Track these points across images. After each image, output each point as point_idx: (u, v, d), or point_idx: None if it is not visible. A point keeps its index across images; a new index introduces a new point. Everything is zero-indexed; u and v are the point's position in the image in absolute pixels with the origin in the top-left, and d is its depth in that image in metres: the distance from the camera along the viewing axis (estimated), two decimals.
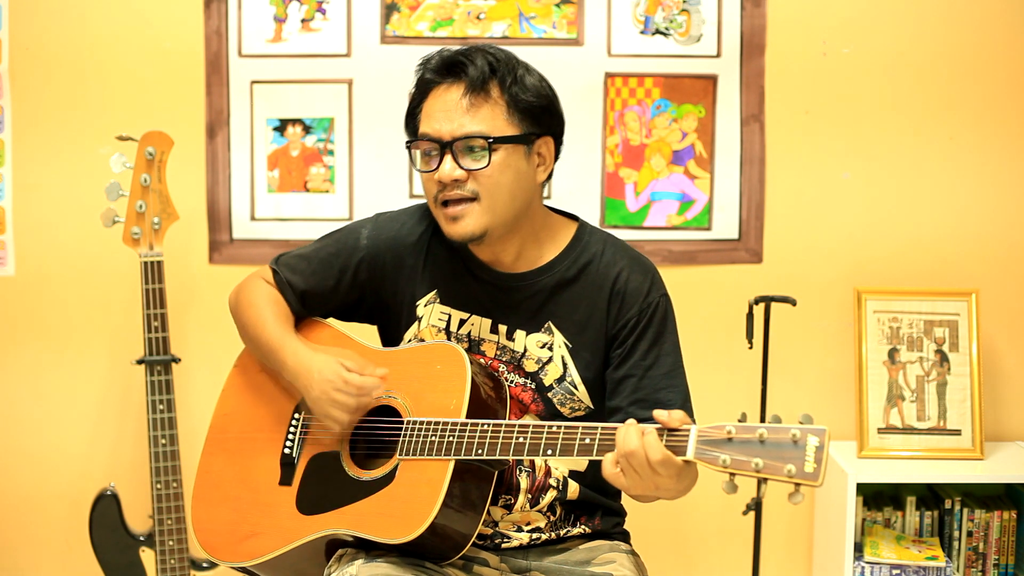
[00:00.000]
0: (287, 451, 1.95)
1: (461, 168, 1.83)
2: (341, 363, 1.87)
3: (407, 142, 1.90)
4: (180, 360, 2.72)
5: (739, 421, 1.55)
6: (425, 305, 1.96)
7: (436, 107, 1.85)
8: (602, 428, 1.67)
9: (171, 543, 2.69)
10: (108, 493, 2.77)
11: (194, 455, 2.09)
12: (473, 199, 1.84)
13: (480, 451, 1.75)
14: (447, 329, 1.95)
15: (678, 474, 1.61)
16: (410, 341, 1.97)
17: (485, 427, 1.76)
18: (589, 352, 1.91)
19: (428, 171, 1.85)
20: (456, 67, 1.84)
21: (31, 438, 3.03)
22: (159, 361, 2.67)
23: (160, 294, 2.66)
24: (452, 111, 1.83)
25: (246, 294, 2.04)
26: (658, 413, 1.61)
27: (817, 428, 1.50)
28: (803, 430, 1.50)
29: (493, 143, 1.83)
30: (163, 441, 2.68)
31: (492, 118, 1.84)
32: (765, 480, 1.52)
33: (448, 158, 1.83)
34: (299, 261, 2.03)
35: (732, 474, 1.53)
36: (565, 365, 1.91)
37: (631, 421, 1.64)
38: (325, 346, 1.97)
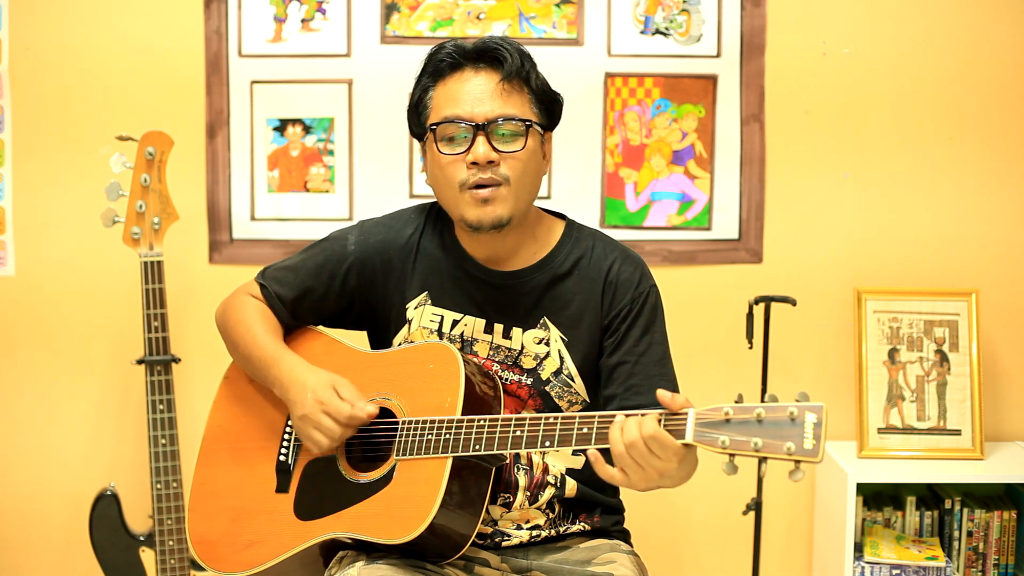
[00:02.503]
0: (282, 458, 1.95)
1: (496, 150, 1.83)
2: (335, 388, 1.86)
3: (431, 124, 1.87)
4: (180, 360, 2.72)
5: (736, 402, 1.56)
6: (415, 308, 1.96)
7: (463, 91, 1.85)
8: (599, 416, 1.68)
9: (171, 543, 2.69)
10: (108, 493, 2.77)
11: (194, 455, 2.09)
12: (501, 183, 1.84)
13: (477, 447, 1.75)
14: (439, 331, 1.95)
15: (680, 458, 1.61)
16: (401, 344, 1.97)
17: (481, 423, 1.76)
18: (585, 344, 1.92)
19: (456, 153, 1.85)
20: (488, 53, 1.85)
21: (31, 438, 3.03)
22: (159, 361, 2.67)
23: (160, 294, 2.66)
24: (484, 95, 1.84)
25: (233, 311, 2.03)
26: (661, 394, 1.61)
27: (814, 405, 1.50)
28: (800, 407, 1.50)
29: (530, 126, 1.86)
30: (163, 441, 2.68)
31: (522, 105, 1.87)
32: (765, 459, 1.52)
33: (481, 139, 1.83)
34: (286, 273, 2.02)
35: (732, 455, 1.53)
36: (562, 359, 1.92)
37: (621, 418, 1.63)
38: (322, 367, 1.95)
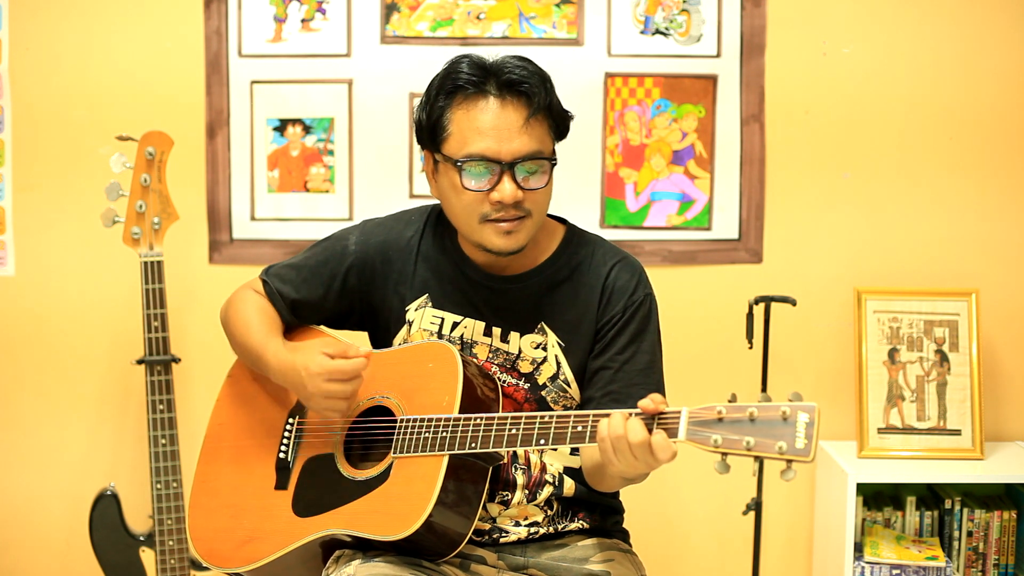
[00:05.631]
0: (282, 455, 1.96)
1: (522, 188, 1.82)
2: (323, 353, 1.86)
3: (458, 160, 1.82)
4: (180, 360, 2.72)
5: (729, 401, 1.56)
6: (416, 309, 1.97)
7: (488, 123, 1.81)
8: (594, 415, 1.68)
9: (171, 543, 2.69)
10: (108, 493, 2.78)
11: (194, 455, 2.10)
12: (524, 217, 1.84)
13: (473, 444, 1.75)
14: (439, 333, 1.95)
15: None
16: (401, 344, 1.97)
17: (478, 421, 1.77)
18: (582, 350, 1.92)
19: (483, 190, 1.83)
20: (514, 86, 1.82)
21: (31, 438, 3.03)
22: (159, 361, 2.67)
23: (160, 294, 2.66)
24: (513, 131, 1.81)
25: (235, 306, 2.05)
26: (643, 403, 1.61)
27: (807, 404, 1.50)
28: (793, 407, 1.51)
29: (554, 164, 1.86)
30: (163, 441, 2.68)
31: (542, 138, 1.85)
32: (757, 458, 1.52)
33: (507, 179, 1.81)
34: (288, 271, 2.03)
35: (724, 454, 1.54)
36: (559, 364, 1.92)
37: (624, 413, 1.64)
38: (304, 342, 1.96)
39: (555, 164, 1.86)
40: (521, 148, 1.82)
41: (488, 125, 1.82)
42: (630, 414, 1.62)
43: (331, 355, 1.85)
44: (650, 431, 1.60)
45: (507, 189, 1.81)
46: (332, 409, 1.87)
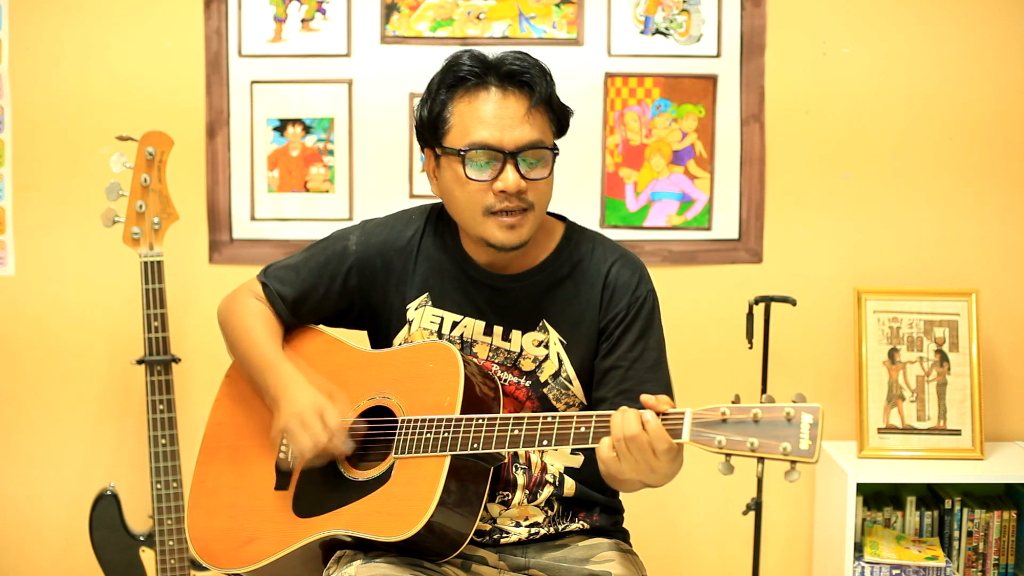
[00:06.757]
0: (282, 456, 1.95)
1: (524, 178, 1.83)
2: (322, 415, 1.86)
3: (460, 150, 1.83)
4: (180, 360, 2.72)
5: (733, 403, 1.56)
6: (416, 308, 1.97)
7: (491, 113, 1.83)
8: (596, 416, 1.68)
9: (171, 543, 2.69)
10: (108, 493, 2.78)
11: (194, 455, 2.09)
12: (527, 209, 1.85)
13: (475, 445, 1.75)
14: (439, 332, 1.95)
15: (674, 456, 1.62)
16: (401, 344, 1.97)
17: (480, 421, 1.77)
18: (584, 347, 1.93)
19: (485, 180, 1.83)
20: (515, 76, 1.83)
21: (31, 438, 3.03)
22: (159, 361, 2.67)
23: (160, 294, 2.66)
24: (515, 121, 1.82)
25: (234, 312, 2.04)
26: (645, 398, 1.62)
27: (810, 406, 1.51)
28: (797, 408, 1.51)
29: (556, 154, 1.86)
30: (163, 441, 2.68)
31: (544, 129, 1.86)
32: (761, 459, 1.52)
33: (511, 168, 1.82)
34: (287, 272, 2.03)
35: (728, 455, 1.54)
36: (560, 361, 1.92)
37: (625, 408, 1.64)
38: (322, 366, 1.96)
39: (557, 154, 1.87)
40: (523, 137, 1.82)
41: (490, 115, 1.83)
42: (642, 414, 1.62)
43: (325, 423, 1.85)
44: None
45: (510, 178, 1.82)
46: (295, 439, 1.86)
